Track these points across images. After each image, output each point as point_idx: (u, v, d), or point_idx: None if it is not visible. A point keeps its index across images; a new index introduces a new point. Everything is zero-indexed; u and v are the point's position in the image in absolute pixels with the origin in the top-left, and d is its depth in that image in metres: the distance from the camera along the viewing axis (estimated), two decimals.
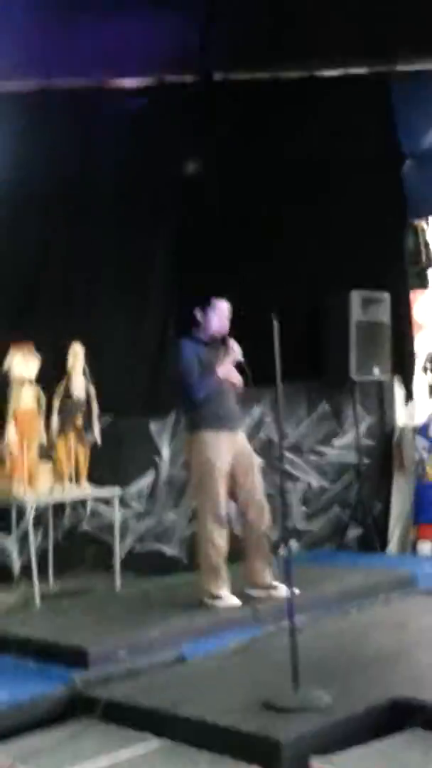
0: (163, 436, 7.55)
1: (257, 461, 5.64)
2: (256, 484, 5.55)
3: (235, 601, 5.42)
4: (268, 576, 5.56)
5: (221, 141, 7.79)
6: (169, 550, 7.39)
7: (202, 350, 5.59)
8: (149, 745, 3.65)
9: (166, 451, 7.52)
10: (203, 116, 7.68)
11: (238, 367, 5.58)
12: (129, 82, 7.77)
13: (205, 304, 5.66)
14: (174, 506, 7.48)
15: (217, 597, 5.43)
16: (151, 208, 7.78)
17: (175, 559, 7.31)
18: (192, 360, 5.55)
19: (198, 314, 5.65)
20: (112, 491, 6.72)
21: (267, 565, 5.57)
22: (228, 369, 5.53)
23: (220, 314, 5.59)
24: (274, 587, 5.48)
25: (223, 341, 5.57)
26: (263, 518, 5.59)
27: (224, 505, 5.54)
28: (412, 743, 3.56)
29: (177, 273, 7.79)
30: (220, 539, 5.50)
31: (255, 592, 5.55)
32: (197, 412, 5.57)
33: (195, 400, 5.53)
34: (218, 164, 7.85)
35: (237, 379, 5.61)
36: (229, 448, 5.52)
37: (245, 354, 5.61)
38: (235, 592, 5.52)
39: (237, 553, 5.75)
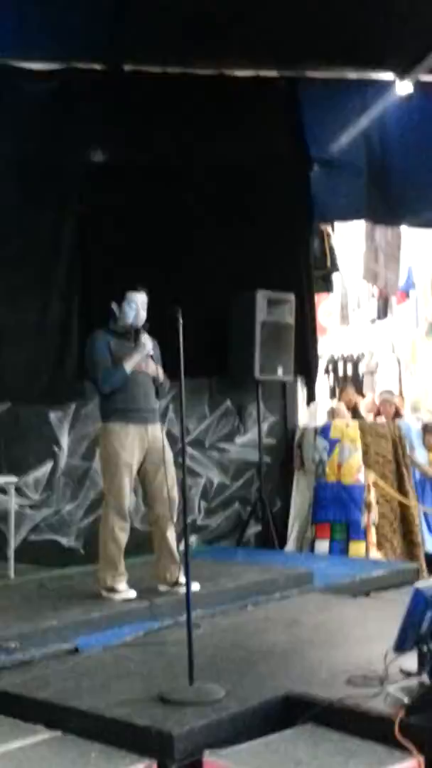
0: (63, 426, 7.47)
1: (170, 456, 5.56)
2: (167, 480, 5.48)
3: (130, 595, 5.38)
4: (174, 572, 5.52)
5: (130, 132, 7.73)
6: (66, 540, 7.31)
7: (115, 342, 5.52)
8: (41, 736, 3.59)
9: (65, 441, 7.44)
10: (112, 105, 7.62)
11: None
12: (38, 65, 7.64)
13: (121, 295, 5.57)
14: (72, 497, 7.41)
15: (113, 590, 5.38)
16: (55, 195, 7.67)
17: (72, 549, 7.23)
18: (100, 352, 5.48)
19: (114, 306, 5.57)
20: (8, 480, 6.60)
21: (172, 562, 5.54)
22: (134, 363, 5.46)
23: (135, 306, 5.52)
24: (180, 584, 5.44)
25: (136, 334, 5.51)
26: (171, 514, 5.53)
27: (128, 498, 5.48)
28: (302, 738, 3.59)
29: (82, 262, 7.71)
30: (120, 532, 5.45)
31: (162, 588, 5.52)
32: (107, 403, 5.50)
33: (102, 392, 5.48)
34: (126, 156, 7.80)
35: (153, 370, 5.54)
36: (139, 441, 5.46)
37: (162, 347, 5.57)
38: (135, 585, 5.48)
39: (138, 546, 5.73)
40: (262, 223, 8.01)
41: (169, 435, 7.68)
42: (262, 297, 7.82)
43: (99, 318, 6.97)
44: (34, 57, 7.51)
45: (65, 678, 4.13)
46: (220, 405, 8.10)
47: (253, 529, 7.96)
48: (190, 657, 3.90)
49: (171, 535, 5.54)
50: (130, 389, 5.44)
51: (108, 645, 4.64)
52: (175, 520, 5.54)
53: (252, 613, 5.42)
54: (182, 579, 5.34)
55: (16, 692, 3.94)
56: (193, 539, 7.32)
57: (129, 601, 5.33)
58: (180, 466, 7.01)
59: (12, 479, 6.58)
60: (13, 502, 6.56)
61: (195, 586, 5.16)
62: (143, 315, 5.54)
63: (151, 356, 5.54)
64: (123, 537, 5.47)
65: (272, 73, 8.15)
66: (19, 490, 6.87)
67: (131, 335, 5.52)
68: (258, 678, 4.10)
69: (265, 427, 8.14)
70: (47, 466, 7.38)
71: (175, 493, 5.53)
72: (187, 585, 4.15)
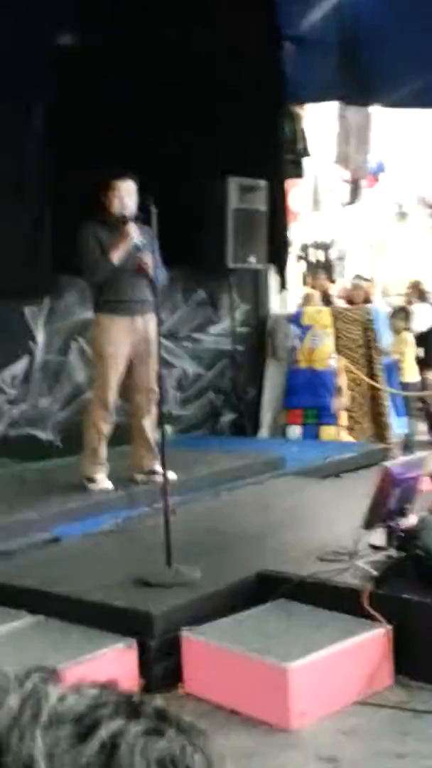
0: (39, 321, 7.44)
1: (154, 349, 5.48)
2: (149, 372, 5.50)
3: (107, 485, 5.51)
4: (150, 461, 5.63)
5: (98, 13, 7.49)
6: (44, 434, 7.40)
7: (103, 232, 5.46)
8: (24, 621, 3.74)
9: (41, 337, 7.43)
10: None
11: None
12: None
13: (104, 184, 5.50)
14: (48, 392, 7.46)
15: (91, 479, 5.51)
16: (21, 80, 7.45)
17: (50, 443, 7.33)
18: (86, 243, 5.43)
19: (101, 195, 5.50)
20: None
21: (149, 451, 5.64)
22: (121, 254, 5.41)
23: (121, 194, 5.43)
24: (156, 472, 5.56)
25: (122, 222, 5.41)
26: (150, 406, 5.59)
27: (112, 390, 5.52)
28: (274, 612, 3.78)
29: (52, 151, 7.56)
30: (103, 423, 5.53)
31: (139, 477, 5.65)
32: (97, 296, 5.53)
33: (91, 283, 5.48)
34: (95, 38, 7.58)
35: (147, 263, 5.34)
36: (127, 334, 5.47)
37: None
38: (112, 474, 5.60)
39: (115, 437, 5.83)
40: (233, 106, 7.84)
41: None
42: (233, 184, 7.73)
43: (71, 208, 6.93)
44: None
45: (46, 566, 4.29)
46: (192, 295, 8.09)
47: (227, 417, 8.08)
48: (167, 540, 4.05)
49: (148, 425, 5.63)
50: (119, 281, 5.41)
51: (87, 533, 4.79)
52: (154, 411, 5.63)
53: (226, 498, 5.58)
54: (158, 468, 5.47)
55: None
56: (168, 429, 7.43)
57: (106, 491, 5.46)
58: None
59: None
60: None
61: (171, 475, 5.28)
62: (130, 203, 5.43)
63: (138, 246, 5.40)
64: (105, 428, 5.54)
65: None
66: None
67: (120, 226, 5.43)
68: (232, 559, 4.27)
69: (237, 315, 8.16)
70: (23, 362, 7.39)
71: (155, 385, 5.57)
72: (164, 472, 4.27)
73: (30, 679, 0.69)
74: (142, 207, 4.21)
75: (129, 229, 5.37)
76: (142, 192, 4.30)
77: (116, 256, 5.38)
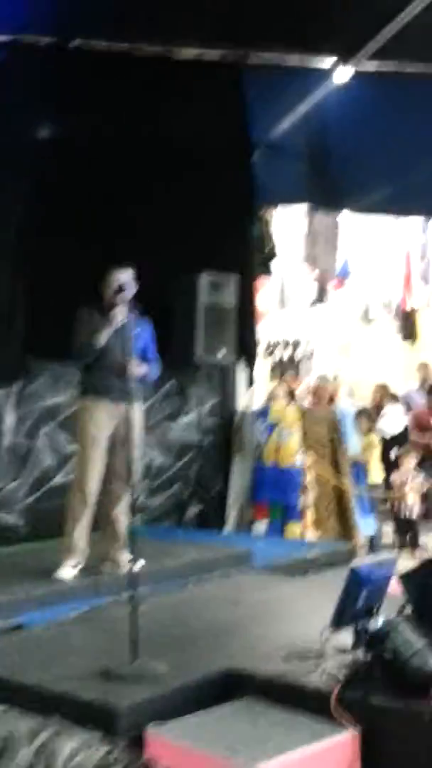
0: (8, 403, 7.45)
1: (138, 437, 5.60)
2: (126, 457, 5.53)
3: (66, 575, 5.44)
4: (117, 550, 5.61)
5: (74, 109, 7.71)
6: (10, 519, 7.32)
7: (98, 318, 5.57)
8: None
9: (10, 418, 7.42)
10: (56, 81, 7.59)
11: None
12: None
13: (105, 274, 5.65)
14: (16, 475, 7.41)
15: (59, 565, 5.46)
16: (3, 173, 7.63)
17: (15, 528, 7.25)
18: (77, 326, 5.56)
19: (100, 285, 5.65)
20: None
21: (116, 540, 5.63)
22: (105, 337, 5.49)
23: (114, 284, 5.54)
24: (120, 563, 5.54)
25: (111, 308, 5.53)
26: (125, 493, 5.55)
27: (93, 474, 5.53)
28: (242, 711, 3.74)
29: (26, 239, 7.69)
30: (79, 508, 5.52)
31: (105, 566, 5.61)
32: (84, 378, 5.60)
33: (79, 365, 5.54)
34: (70, 132, 7.78)
35: (133, 371, 5.40)
36: (109, 418, 5.51)
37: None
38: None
39: None
40: (205, 206, 8.04)
41: None
42: (205, 279, 7.88)
43: (44, 293, 7.02)
44: None
45: (10, 653, 4.22)
46: (162, 385, 8.15)
47: (194, 509, 8.07)
48: (132, 634, 4.01)
49: (120, 513, 5.62)
50: (105, 367, 5.49)
51: (52, 621, 4.72)
52: (128, 499, 5.61)
53: (193, 591, 5.55)
54: (124, 558, 5.45)
55: None
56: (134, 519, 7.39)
57: (62, 581, 5.40)
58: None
59: None
60: None
61: (140, 563, 5.28)
62: (130, 292, 5.46)
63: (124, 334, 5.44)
64: (81, 512, 5.53)
65: (215, 56, 8.19)
66: None
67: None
68: (199, 653, 4.24)
69: (206, 408, 8.22)
70: None
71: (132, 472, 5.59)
72: (132, 562, 4.25)
73: (43, 733, 0.72)
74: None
75: (115, 312, 5.49)
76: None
77: (101, 339, 5.49)
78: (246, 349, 8.48)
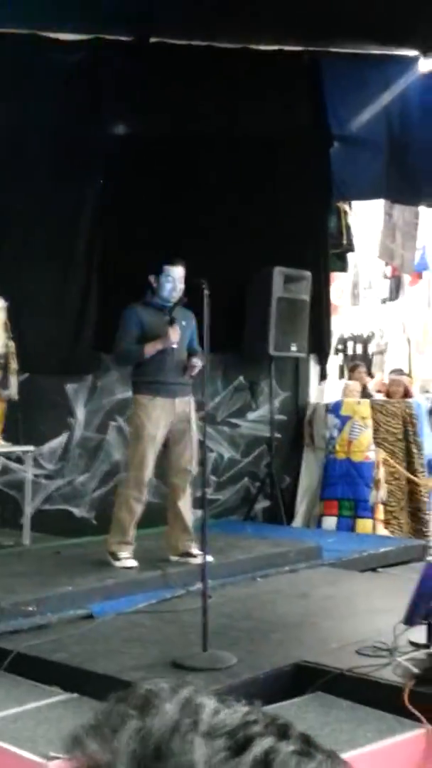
0: (79, 398, 7.52)
1: (194, 429, 5.60)
2: (185, 453, 5.56)
3: (131, 563, 5.46)
4: (185, 542, 5.62)
5: (154, 104, 7.76)
6: (78, 511, 7.39)
7: (149, 316, 5.57)
8: (57, 697, 3.69)
9: (81, 413, 7.50)
10: (137, 77, 7.64)
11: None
12: (65, 36, 7.66)
13: (158, 269, 5.60)
14: (85, 468, 7.48)
15: (114, 555, 5.49)
16: (80, 168, 7.71)
17: (84, 519, 7.31)
18: (126, 326, 5.54)
19: (151, 278, 5.61)
20: (25, 449, 6.68)
21: (184, 532, 5.63)
22: (154, 351, 5.46)
23: (172, 279, 5.55)
24: (193, 555, 5.52)
25: (169, 323, 5.49)
26: (186, 486, 5.62)
27: (148, 470, 5.54)
28: (313, 705, 3.69)
29: (102, 234, 7.75)
30: (135, 503, 5.54)
31: (174, 558, 5.61)
32: (137, 376, 5.59)
33: (118, 365, 5.54)
34: (150, 128, 7.83)
35: (195, 367, 5.52)
36: (165, 414, 5.51)
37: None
38: (147, 555, 5.57)
39: (150, 518, 5.82)
40: (281, 199, 8.03)
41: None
42: (278, 273, 7.84)
43: (117, 290, 7.06)
44: (62, 28, 7.52)
45: (80, 642, 4.23)
46: (232, 380, 8.14)
47: (262, 504, 8.04)
48: (204, 624, 3.99)
49: (184, 506, 5.63)
50: (159, 362, 5.49)
51: (122, 611, 4.73)
52: (189, 492, 5.61)
53: (262, 585, 5.51)
54: (194, 550, 5.45)
55: (33, 654, 4.05)
56: (199, 512, 7.39)
57: (129, 569, 5.42)
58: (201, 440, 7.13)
59: (29, 449, 6.66)
60: (29, 472, 6.64)
61: (209, 558, 5.26)
62: (180, 288, 5.55)
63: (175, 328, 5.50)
64: (137, 507, 5.55)
65: (296, 48, 8.14)
66: (34, 460, 6.95)
67: (166, 309, 5.55)
68: (269, 647, 4.20)
69: (276, 403, 8.18)
70: (62, 437, 7.45)
71: (193, 466, 5.60)
72: (204, 554, 4.23)
73: (184, 689, 0.71)
74: (193, 288, 4.27)
75: (172, 332, 5.45)
76: (194, 274, 4.38)
77: (149, 351, 5.47)
78: (319, 344, 8.43)
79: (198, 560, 5.33)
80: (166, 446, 5.60)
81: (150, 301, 5.64)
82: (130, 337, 5.52)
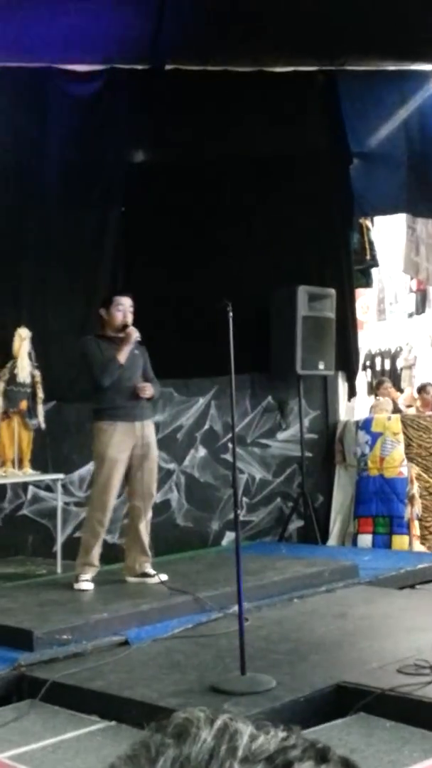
0: None
1: (155, 453, 5.80)
2: (147, 475, 5.69)
3: (88, 586, 5.54)
4: (143, 563, 5.71)
5: (171, 129, 7.81)
6: (110, 538, 7.34)
7: (104, 345, 5.67)
8: (96, 726, 3.64)
9: None
10: (153, 104, 7.70)
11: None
12: (81, 67, 7.74)
13: (106, 300, 5.75)
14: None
15: (76, 578, 5.58)
16: (100, 194, 7.77)
17: (116, 547, 7.26)
18: (95, 352, 5.64)
19: (102, 312, 5.74)
20: (55, 477, 6.67)
21: (142, 553, 5.73)
22: (126, 353, 5.61)
23: (123, 309, 5.68)
24: (150, 575, 5.64)
25: (123, 329, 5.64)
26: (147, 509, 5.74)
27: (111, 493, 5.64)
28: (356, 726, 3.61)
29: (125, 261, 7.78)
30: (99, 526, 5.64)
31: (131, 579, 5.69)
32: (98, 403, 5.66)
33: (102, 388, 5.56)
34: (168, 153, 7.87)
35: (146, 391, 5.67)
36: (126, 438, 5.60)
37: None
38: (177, 579, 5.54)
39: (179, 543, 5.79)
40: (302, 218, 8.02)
41: (212, 432, 7.81)
42: (303, 292, 7.81)
43: (139, 317, 7.06)
44: (77, 60, 7.61)
45: (117, 669, 4.18)
46: (261, 401, 8.10)
47: (295, 524, 7.96)
48: (241, 648, 3.93)
49: (144, 528, 5.74)
50: (118, 389, 5.60)
51: (157, 637, 4.68)
52: (149, 515, 5.76)
53: (298, 606, 5.43)
54: (150, 570, 5.63)
55: (70, 683, 3.99)
56: (232, 535, 7.34)
57: (84, 592, 5.48)
58: (219, 462, 7.09)
59: (59, 477, 6.64)
60: (60, 500, 6.62)
61: (163, 577, 5.55)
62: (130, 318, 5.69)
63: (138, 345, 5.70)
64: (101, 530, 5.68)
65: (310, 68, 8.16)
66: (64, 488, 6.94)
67: (118, 339, 5.65)
68: (309, 668, 4.12)
69: (306, 422, 8.12)
70: (91, 464, 7.42)
71: (154, 490, 5.81)
72: (238, 576, 4.17)
73: (220, 717, 0.70)
74: (218, 310, 4.25)
75: (131, 331, 5.62)
76: (218, 296, 4.36)
77: (122, 356, 5.61)
78: (346, 361, 8.38)
79: (155, 579, 5.56)
80: (128, 470, 5.69)
81: (101, 333, 5.77)
82: (99, 357, 5.61)
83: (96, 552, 5.67)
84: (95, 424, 5.69)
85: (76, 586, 5.55)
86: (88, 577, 5.60)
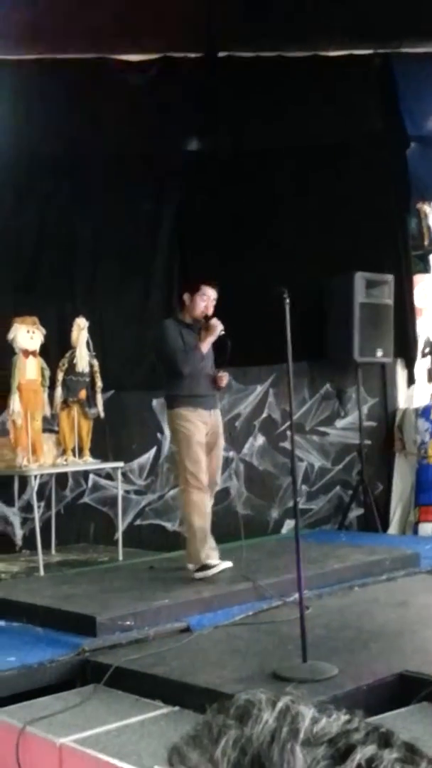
0: (165, 413, 7.53)
1: (222, 442, 5.80)
2: (215, 463, 5.69)
3: (226, 565, 5.42)
4: (209, 551, 5.58)
5: (225, 117, 7.79)
6: (170, 525, 7.40)
7: (185, 331, 5.65)
8: (159, 711, 3.67)
9: (167, 428, 7.50)
10: (207, 92, 7.68)
11: (221, 343, 5.61)
12: (135, 57, 7.75)
13: (193, 287, 5.70)
14: (175, 483, 7.47)
15: (206, 567, 5.42)
16: (155, 184, 7.79)
17: (176, 534, 7.31)
18: (176, 338, 5.61)
19: (186, 297, 5.70)
20: (114, 465, 6.72)
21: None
22: (209, 344, 5.60)
23: (206, 299, 5.64)
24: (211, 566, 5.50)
25: (205, 319, 5.63)
26: (211, 497, 5.69)
27: (206, 472, 5.59)
28: (419, 716, 3.58)
29: (180, 250, 7.80)
30: (204, 505, 5.54)
31: (190, 565, 5.56)
32: (176, 391, 5.63)
33: (180, 375, 5.55)
34: (222, 141, 7.86)
35: (223, 379, 5.72)
36: (203, 425, 5.60)
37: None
38: (243, 567, 5.53)
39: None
40: (359, 203, 7.95)
41: (270, 420, 7.80)
42: (360, 278, 7.75)
43: None
44: (131, 51, 7.62)
45: (179, 655, 4.20)
46: (319, 388, 8.07)
47: (355, 512, 7.92)
48: (302, 635, 3.92)
49: (209, 516, 5.64)
50: (195, 377, 5.60)
51: (219, 624, 4.69)
52: (211, 502, 5.69)
53: (359, 594, 5.41)
54: (212, 561, 5.44)
55: (132, 669, 4.03)
56: (291, 523, 7.33)
57: (228, 569, 5.39)
58: (278, 450, 7.07)
59: (119, 465, 6.70)
60: (120, 488, 6.68)
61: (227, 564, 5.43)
62: (212, 307, 5.66)
63: (222, 338, 5.63)
64: (208, 509, 5.56)
65: (366, 51, 8.07)
66: (124, 476, 6.99)
67: (199, 325, 5.65)
68: (370, 657, 4.10)
69: (365, 409, 8.06)
70: (151, 452, 7.48)
71: (219, 478, 5.82)
72: (298, 565, 4.16)
73: (282, 699, 0.71)
74: (274, 297, 4.23)
75: (216, 323, 5.59)
76: (274, 283, 4.35)
77: (205, 347, 5.60)
78: (404, 348, 8.30)
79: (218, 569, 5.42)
80: None
81: (181, 318, 5.73)
82: (181, 344, 5.58)
83: (210, 534, 5.54)
84: (175, 411, 5.62)
85: (216, 571, 5.38)
86: (218, 560, 5.45)
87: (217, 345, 5.65)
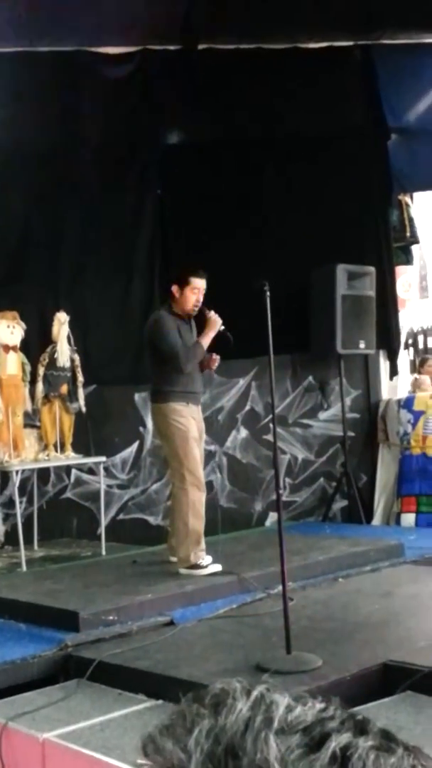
0: (148, 406, 7.49)
1: (204, 437, 5.80)
2: (201, 458, 5.68)
3: (216, 568, 5.38)
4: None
5: (205, 110, 7.76)
6: (153, 519, 7.38)
7: (181, 324, 5.58)
8: (142, 704, 3.65)
9: (150, 422, 7.48)
10: (187, 85, 7.64)
11: (222, 337, 5.56)
12: (113, 49, 7.70)
13: (182, 280, 5.59)
14: (158, 477, 7.47)
15: (197, 566, 5.38)
16: (136, 176, 7.75)
17: (159, 528, 7.30)
18: (175, 333, 5.52)
19: (174, 289, 5.59)
20: (97, 460, 6.69)
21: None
22: (210, 339, 5.53)
23: (197, 292, 5.55)
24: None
25: (200, 313, 5.57)
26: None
27: (202, 470, 5.57)
28: (403, 705, 3.58)
29: (162, 243, 7.76)
30: (201, 506, 5.50)
31: (174, 559, 5.57)
32: (168, 386, 5.52)
33: (180, 372, 5.47)
34: (203, 134, 7.82)
35: (215, 359, 5.68)
36: (194, 420, 5.58)
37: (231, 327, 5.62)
38: (225, 560, 5.51)
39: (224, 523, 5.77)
40: (340, 195, 7.94)
41: (253, 413, 7.78)
42: (342, 270, 7.73)
43: None
44: (110, 43, 7.58)
45: (163, 649, 4.19)
46: (302, 381, 8.06)
47: (339, 504, 7.92)
48: (286, 627, 3.92)
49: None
50: (192, 373, 5.58)
51: (202, 617, 4.68)
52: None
53: (343, 585, 5.41)
54: (202, 561, 5.40)
55: (116, 663, 4.01)
56: (275, 515, 7.32)
57: (215, 575, 5.33)
58: (260, 442, 7.06)
59: (101, 459, 6.67)
60: (102, 482, 6.65)
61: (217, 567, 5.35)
62: (201, 299, 5.59)
63: (222, 331, 5.59)
64: (202, 508, 5.51)
65: (346, 43, 8.06)
66: (107, 470, 6.96)
67: (189, 317, 5.61)
68: (355, 647, 4.10)
69: (348, 401, 8.07)
70: (133, 447, 7.46)
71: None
72: (281, 557, 4.15)
73: (257, 688, 0.70)
74: (255, 290, 4.21)
75: (215, 318, 5.52)
76: (255, 276, 4.32)
77: (206, 343, 5.53)
78: (387, 340, 8.30)
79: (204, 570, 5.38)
80: None
81: (174, 310, 5.62)
82: (180, 339, 5.51)
83: (202, 526, 5.49)
84: (168, 405, 5.49)
85: (206, 572, 5.31)
86: (209, 560, 5.39)
87: (217, 339, 5.59)
